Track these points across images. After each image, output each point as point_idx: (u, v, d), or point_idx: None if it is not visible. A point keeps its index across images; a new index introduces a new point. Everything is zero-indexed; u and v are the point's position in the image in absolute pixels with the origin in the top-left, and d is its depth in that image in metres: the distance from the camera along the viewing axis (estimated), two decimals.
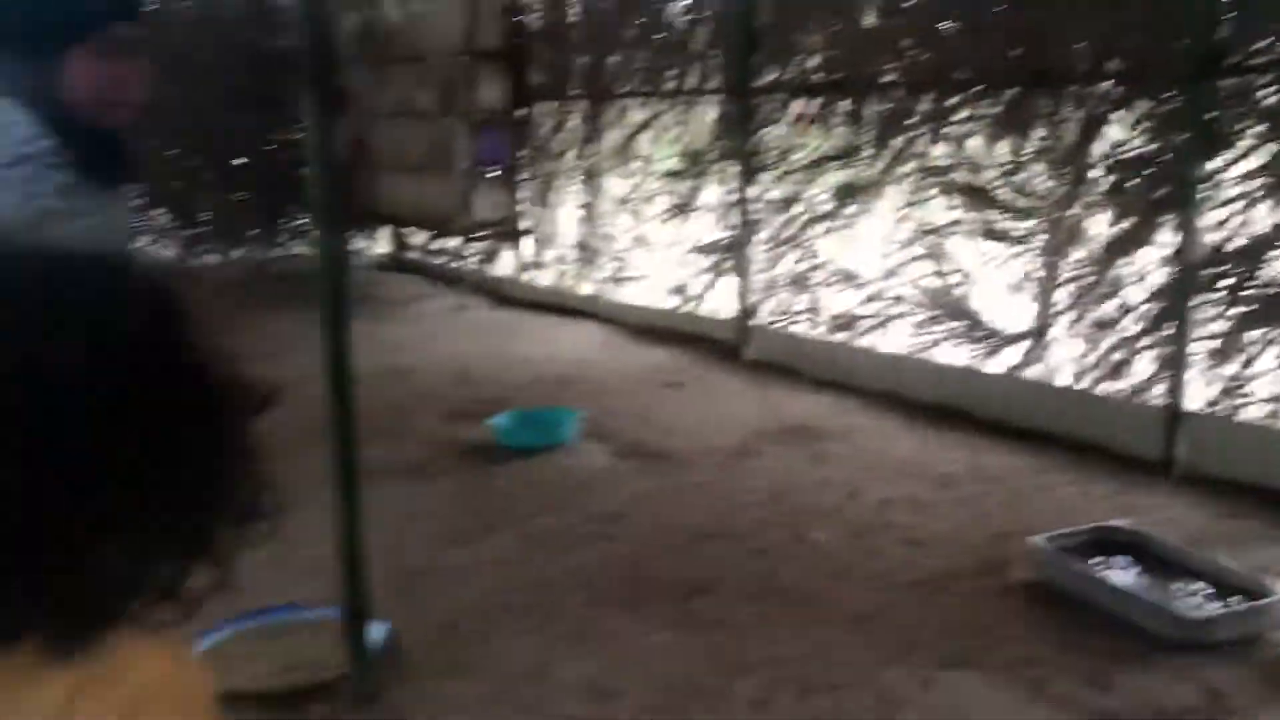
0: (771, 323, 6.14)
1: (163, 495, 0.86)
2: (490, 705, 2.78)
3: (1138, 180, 4.46)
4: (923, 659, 2.94)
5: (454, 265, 8.87)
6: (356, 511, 2.72)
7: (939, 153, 5.24)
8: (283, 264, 8.67)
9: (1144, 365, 4.48)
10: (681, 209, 6.78)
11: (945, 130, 5.15)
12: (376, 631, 2.91)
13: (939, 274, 5.29)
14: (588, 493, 4.25)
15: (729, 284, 6.39)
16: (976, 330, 5.14)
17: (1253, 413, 4.19)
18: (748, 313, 6.16)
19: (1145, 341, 4.47)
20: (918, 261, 5.37)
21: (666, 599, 3.34)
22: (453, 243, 8.74)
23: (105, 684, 0.85)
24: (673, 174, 6.87)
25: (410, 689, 2.85)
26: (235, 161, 8.74)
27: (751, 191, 6.09)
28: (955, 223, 5.20)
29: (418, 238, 9.53)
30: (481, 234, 7.92)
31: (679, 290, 6.82)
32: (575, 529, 3.90)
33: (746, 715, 2.71)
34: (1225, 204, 4.20)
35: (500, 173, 7.85)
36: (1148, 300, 4.47)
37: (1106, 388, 4.60)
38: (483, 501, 4.20)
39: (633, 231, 7.30)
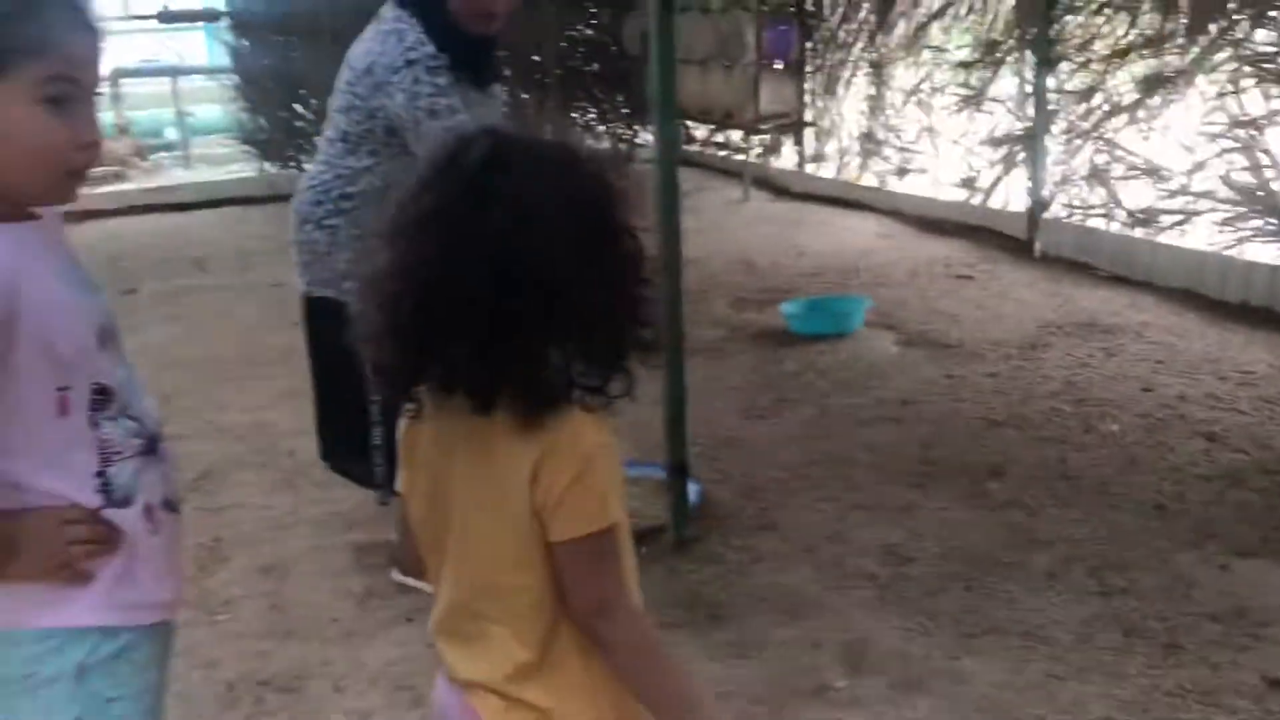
0: (1065, 216, 6.04)
1: (599, 319, 1.20)
2: (794, 560, 3.05)
3: None
4: (1218, 546, 3.00)
5: (736, 157, 9.06)
6: (681, 381, 3.02)
7: (1261, 39, 4.97)
8: None
9: None
10: (972, 100, 6.70)
11: (1269, 14, 4.88)
12: (691, 489, 3.23)
13: (1252, 168, 5.06)
14: (877, 378, 4.42)
15: (1020, 177, 6.31)
16: None
17: None
18: (1040, 206, 6.07)
19: None
20: (1228, 154, 5.15)
21: (959, 479, 3.50)
22: (735, 135, 8.92)
23: (565, 445, 1.21)
24: (965, 64, 6.78)
25: (721, 540, 3.17)
26: (533, 57, 9.17)
27: (1049, 81, 5.96)
28: (1275, 113, 4.94)
29: (700, 131, 9.77)
30: (765, 126, 8.08)
31: (968, 183, 6.78)
32: (866, 410, 4.10)
33: (1042, 585, 2.86)
34: None
35: (786, 65, 7.96)
36: None
37: None
38: (777, 381, 4.45)
39: (920, 123, 7.27)
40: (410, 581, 2.96)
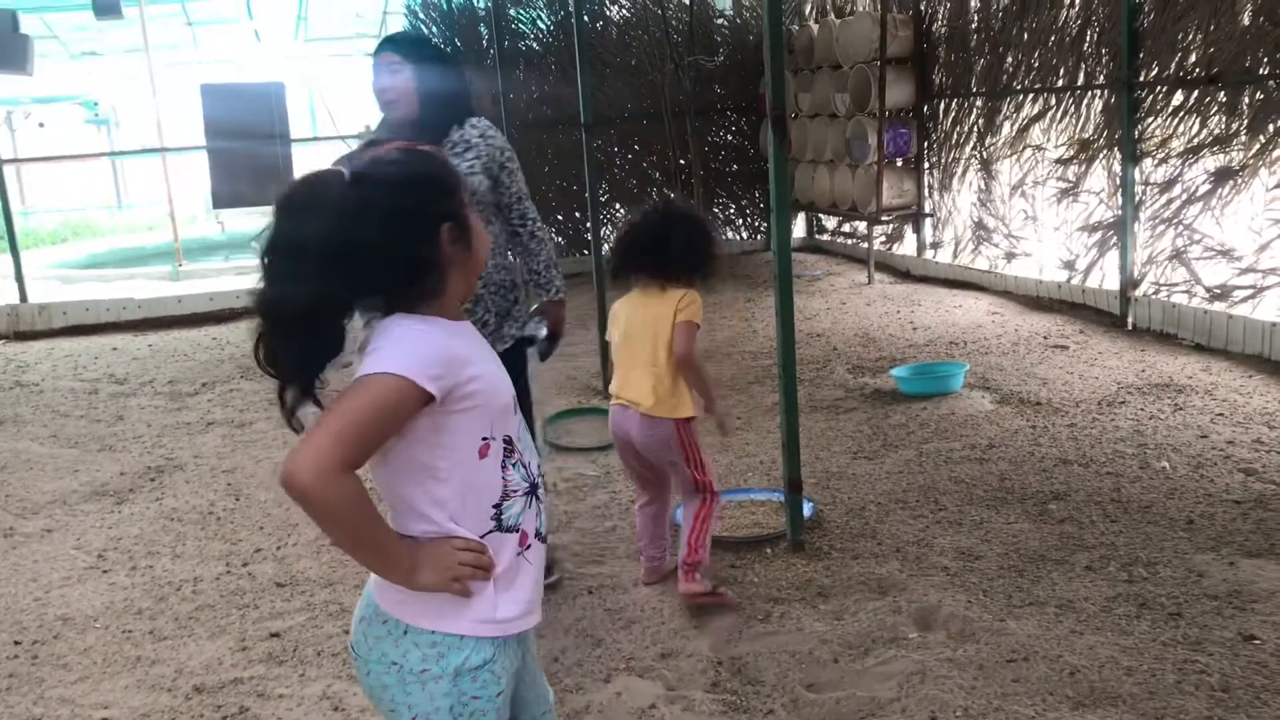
0: (1154, 293, 6.76)
1: (701, 254, 3.08)
2: (885, 557, 3.90)
3: None
4: (1231, 550, 3.73)
5: (862, 245, 9.97)
6: (795, 421, 3.92)
7: None
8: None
9: None
10: (1069, 192, 7.50)
11: None
12: (806, 506, 4.12)
13: None
14: (970, 428, 5.24)
15: (1113, 258, 7.06)
16: None
17: None
18: (1130, 284, 6.81)
19: None
20: None
21: (1027, 502, 4.30)
22: (861, 225, 9.84)
23: (687, 295, 3.14)
24: (1062, 160, 7.59)
25: (828, 544, 4.04)
26: (680, 160, 10.31)
27: (1135, 174, 6.74)
28: None
29: (829, 222, 10.73)
30: (888, 217, 8.99)
31: (1067, 265, 7.55)
32: (957, 452, 4.92)
33: (1080, 575, 3.65)
34: None
35: (905, 163, 8.87)
36: None
37: None
38: (883, 431, 5.31)
39: (1024, 213, 8.08)
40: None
